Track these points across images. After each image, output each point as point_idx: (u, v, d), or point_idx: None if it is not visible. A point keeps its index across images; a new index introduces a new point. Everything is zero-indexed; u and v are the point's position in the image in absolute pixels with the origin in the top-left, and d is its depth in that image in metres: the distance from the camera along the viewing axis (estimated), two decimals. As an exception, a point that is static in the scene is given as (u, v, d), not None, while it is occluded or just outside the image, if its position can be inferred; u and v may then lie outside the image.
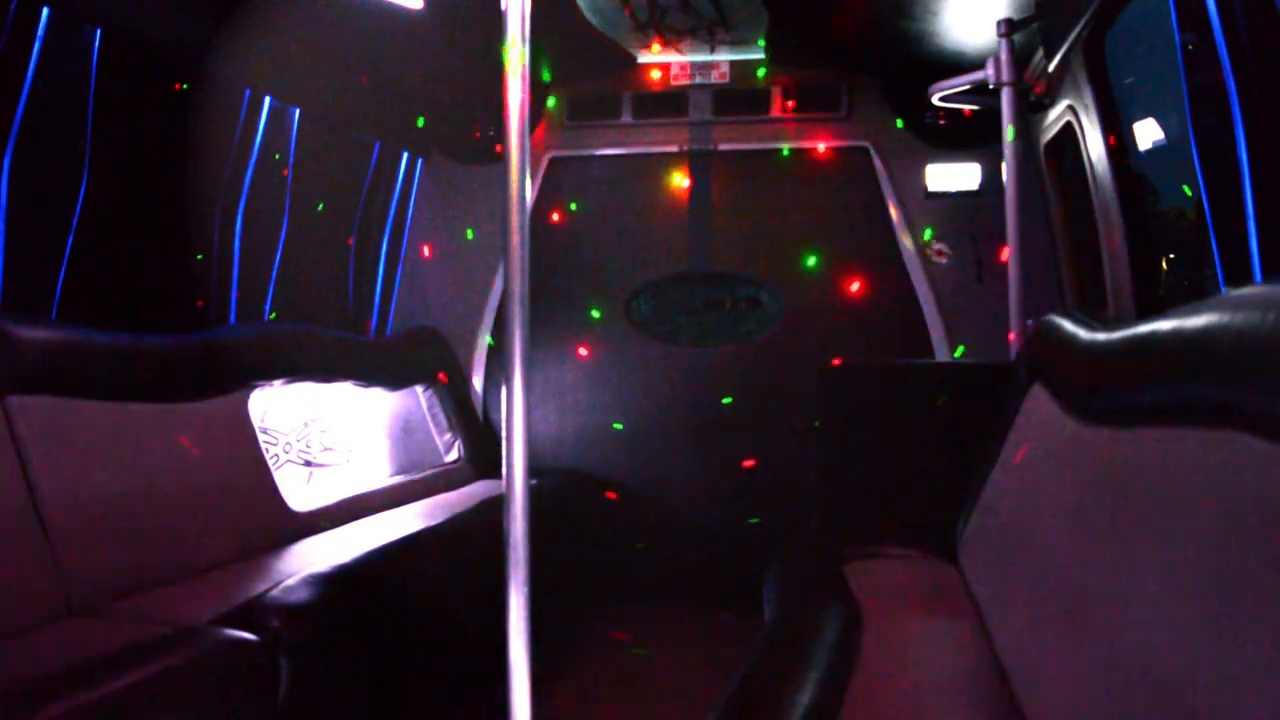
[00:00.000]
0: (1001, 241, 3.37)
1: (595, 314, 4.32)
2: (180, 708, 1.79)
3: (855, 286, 4.12)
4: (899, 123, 4.13)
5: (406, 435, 4.16)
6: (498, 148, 4.37)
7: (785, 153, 4.23)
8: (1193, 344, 1.17)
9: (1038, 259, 3.62)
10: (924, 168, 4.09)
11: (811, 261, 4.16)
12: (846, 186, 4.17)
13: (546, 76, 4.26)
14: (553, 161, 4.39)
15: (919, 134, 4.11)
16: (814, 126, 4.22)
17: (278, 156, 3.52)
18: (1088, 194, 2.98)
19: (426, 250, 4.45)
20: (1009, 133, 3.26)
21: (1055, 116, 3.27)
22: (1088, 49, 2.78)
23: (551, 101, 4.39)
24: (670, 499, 4.22)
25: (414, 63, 3.69)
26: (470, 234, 4.42)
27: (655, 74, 4.30)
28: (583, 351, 4.32)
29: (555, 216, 4.36)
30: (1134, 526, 1.26)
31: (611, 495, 4.20)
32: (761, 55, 4.16)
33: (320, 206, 3.81)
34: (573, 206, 4.36)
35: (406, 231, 4.42)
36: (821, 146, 4.20)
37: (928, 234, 4.07)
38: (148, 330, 2.71)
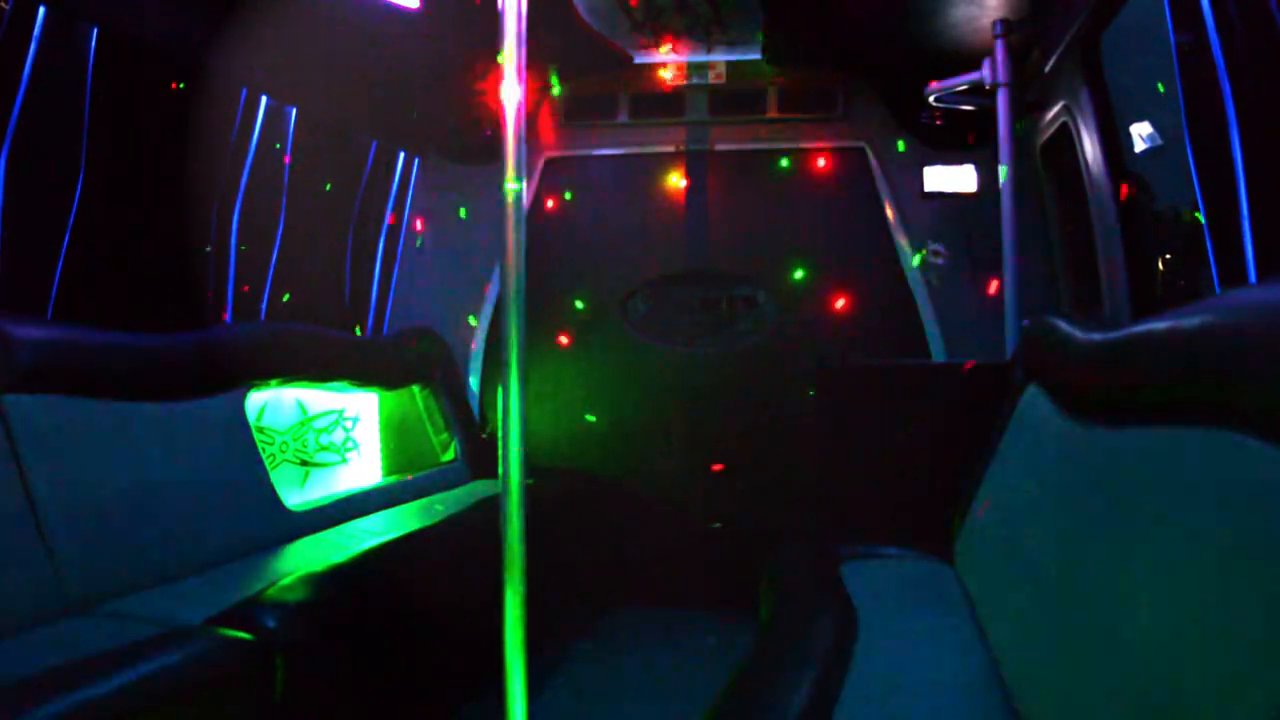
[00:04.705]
0: (998, 242, 3.38)
1: (591, 314, 4.32)
2: (175, 708, 1.79)
3: (852, 287, 4.13)
4: (895, 123, 4.14)
5: (403, 435, 4.15)
6: (494, 147, 4.39)
7: (782, 154, 4.24)
8: (1188, 344, 1.17)
9: (1034, 260, 3.63)
10: (920, 169, 4.09)
11: (808, 262, 4.16)
12: (843, 187, 4.18)
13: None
14: (549, 161, 4.38)
15: (916, 135, 4.12)
16: (811, 127, 4.22)
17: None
18: (1083, 195, 2.99)
19: (423, 250, 4.45)
20: (1005, 134, 3.27)
21: (1051, 117, 3.28)
22: (1084, 50, 2.79)
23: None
24: (668, 498, 4.22)
25: (411, 62, 3.68)
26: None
27: (652, 74, 4.30)
28: (578, 351, 4.32)
29: (552, 216, 4.36)
30: (1129, 526, 1.26)
31: (608, 494, 4.20)
32: (758, 55, 4.16)
33: (317, 205, 3.81)
34: (568, 203, 4.36)
35: (403, 231, 4.42)
36: (818, 147, 4.20)
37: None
38: (144, 329, 2.71)
